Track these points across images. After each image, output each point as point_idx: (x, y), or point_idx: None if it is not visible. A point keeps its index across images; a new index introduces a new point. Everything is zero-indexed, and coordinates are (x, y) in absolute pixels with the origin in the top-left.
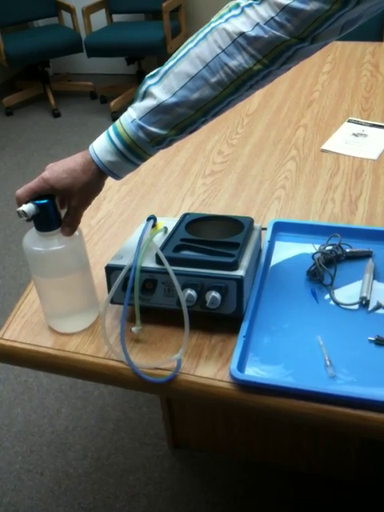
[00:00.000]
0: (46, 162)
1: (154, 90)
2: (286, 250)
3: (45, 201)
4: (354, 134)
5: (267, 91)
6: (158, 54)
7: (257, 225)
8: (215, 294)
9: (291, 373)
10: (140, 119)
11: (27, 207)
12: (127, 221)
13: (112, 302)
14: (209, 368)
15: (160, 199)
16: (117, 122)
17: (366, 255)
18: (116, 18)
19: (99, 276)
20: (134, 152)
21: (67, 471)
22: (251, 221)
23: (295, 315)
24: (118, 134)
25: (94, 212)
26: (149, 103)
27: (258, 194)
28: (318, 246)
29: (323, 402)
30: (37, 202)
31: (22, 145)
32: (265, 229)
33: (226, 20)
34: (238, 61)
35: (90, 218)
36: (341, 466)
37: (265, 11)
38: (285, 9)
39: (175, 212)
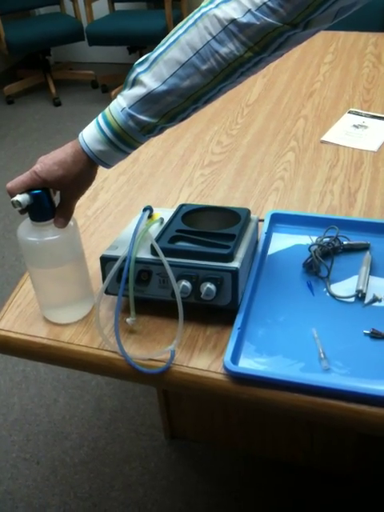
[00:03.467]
0: (47, 150)
1: (144, 78)
2: (282, 242)
3: (39, 191)
4: (354, 126)
5: (268, 81)
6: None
7: (254, 216)
8: (210, 286)
9: (285, 365)
10: (130, 108)
11: (22, 197)
12: (124, 211)
13: (106, 292)
14: (203, 360)
15: (158, 190)
16: (106, 111)
17: (364, 248)
18: (118, 6)
19: (95, 267)
20: (124, 141)
21: (63, 460)
22: (248, 212)
23: (290, 307)
24: (107, 123)
25: (90, 202)
26: (138, 91)
27: (256, 185)
28: (315, 238)
29: (317, 395)
30: (31, 192)
31: (23, 134)
32: (262, 220)
33: (217, 5)
34: (229, 48)
35: (87, 208)
36: (337, 459)
37: None
38: None
39: (173, 203)
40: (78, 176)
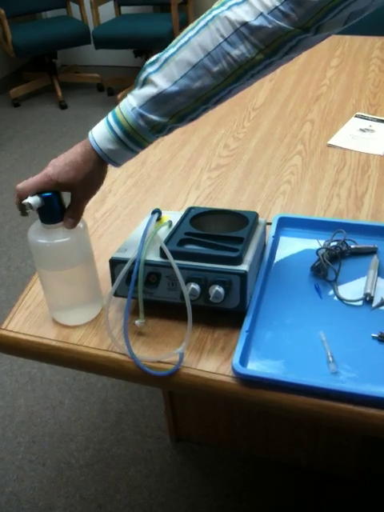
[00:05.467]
0: (53, 153)
1: (155, 78)
2: (290, 246)
3: (50, 193)
4: (360, 130)
5: (274, 85)
6: (166, 47)
7: (261, 219)
8: (218, 289)
9: (293, 368)
10: (140, 107)
11: (32, 200)
12: (132, 214)
13: (116, 294)
14: (211, 362)
15: (165, 192)
16: (116, 109)
17: (371, 251)
18: (124, 9)
19: (103, 269)
20: (133, 139)
21: (69, 462)
22: (256, 215)
23: (298, 311)
24: (117, 122)
25: (99, 205)
26: (149, 91)
27: (263, 189)
28: (322, 242)
29: (325, 398)
30: (42, 194)
31: (29, 136)
32: (269, 223)
33: (229, 7)
34: (241, 50)
35: (95, 211)
36: (341, 462)
37: (269, 0)
38: None
39: (180, 206)
40: (89, 175)
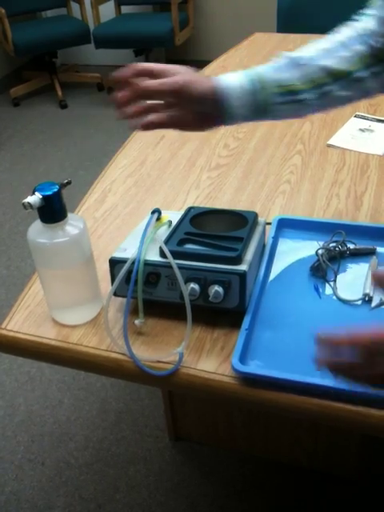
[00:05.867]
0: (53, 153)
1: (287, 54)
2: (289, 246)
3: (50, 192)
4: (360, 129)
5: None
6: (166, 46)
7: (261, 219)
8: (218, 288)
9: (292, 367)
10: (272, 67)
11: (32, 199)
12: (132, 213)
13: (115, 294)
14: (210, 362)
15: (165, 192)
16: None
17: (370, 252)
18: (124, 9)
19: (103, 268)
20: (257, 89)
21: (68, 461)
22: (255, 215)
23: (298, 310)
24: (248, 71)
25: (98, 204)
26: (282, 59)
27: (262, 189)
28: (321, 243)
29: (324, 397)
30: (42, 193)
31: (29, 136)
32: (269, 223)
33: (347, 25)
34: (344, 55)
35: (95, 211)
36: (341, 462)
37: (362, 29)
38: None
39: (180, 205)
40: (198, 84)
